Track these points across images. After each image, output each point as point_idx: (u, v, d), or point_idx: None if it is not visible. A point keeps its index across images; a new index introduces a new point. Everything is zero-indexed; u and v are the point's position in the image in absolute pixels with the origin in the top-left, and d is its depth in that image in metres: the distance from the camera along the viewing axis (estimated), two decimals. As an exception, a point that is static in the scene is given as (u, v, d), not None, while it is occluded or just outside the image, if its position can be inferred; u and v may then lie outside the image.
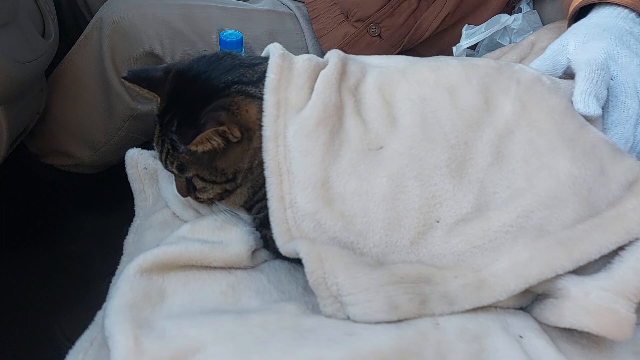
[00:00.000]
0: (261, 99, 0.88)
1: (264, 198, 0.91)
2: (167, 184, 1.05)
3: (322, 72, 0.91)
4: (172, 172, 0.92)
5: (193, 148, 0.85)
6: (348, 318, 0.77)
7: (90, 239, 1.73)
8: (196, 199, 0.95)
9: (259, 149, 0.87)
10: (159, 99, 0.92)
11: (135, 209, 1.10)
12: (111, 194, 1.78)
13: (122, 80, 0.93)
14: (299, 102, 0.88)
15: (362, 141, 0.85)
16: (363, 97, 0.91)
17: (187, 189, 0.94)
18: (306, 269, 0.77)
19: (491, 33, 1.39)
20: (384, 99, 0.89)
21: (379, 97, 0.90)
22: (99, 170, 1.69)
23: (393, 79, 0.92)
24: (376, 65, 0.98)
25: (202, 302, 0.81)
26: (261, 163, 0.88)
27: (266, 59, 0.94)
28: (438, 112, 0.86)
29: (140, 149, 1.13)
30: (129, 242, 1.01)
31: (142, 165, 1.10)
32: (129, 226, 1.76)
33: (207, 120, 0.83)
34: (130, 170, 1.10)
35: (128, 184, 1.79)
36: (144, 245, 0.97)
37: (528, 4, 1.48)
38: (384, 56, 1.03)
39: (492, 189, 0.83)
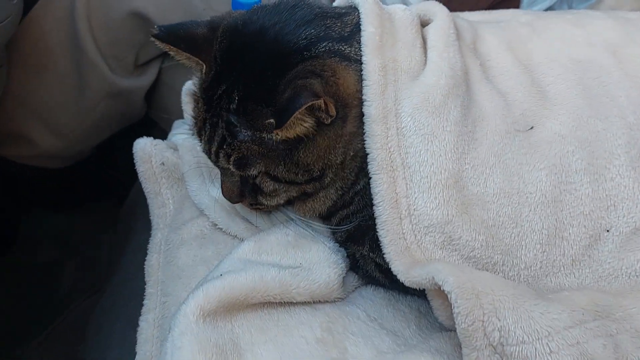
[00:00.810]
0: (358, 62, 0.62)
1: (351, 203, 0.66)
2: (199, 184, 0.77)
3: (434, 26, 0.66)
4: (226, 168, 0.65)
5: (279, 135, 0.59)
6: (509, 375, 0.53)
7: (58, 248, 1.42)
8: (254, 205, 0.69)
9: (355, 135, 0.62)
10: (204, 66, 0.65)
11: (151, 218, 0.81)
12: (81, 192, 1.48)
13: (153, 39, 0.65)
14: (412, 65, 0.62)
15: (504, 119, 0.61)
16: (488, 59, 0.66)
17: (240, 193, 0.67)
18: (456, 309, 0.53)
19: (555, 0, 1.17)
20: (519, 62, 0.65)
21: (512, 59, 0.66)
22: (65, 164, 1.36)
23: (522, 36, 0.68)
24: (482, 22, 0.74)
25: (296, 356, 0.55)
26: (357, 155, 0.62)
27: (352, 8, 0.68)
28: (603, 79, 0.63)
29: (152, 138, 0.85)
30: (153, 266, 0.73)
31: (157, 159, 0.82)
32: (105, 232, 1.48)
33: (298, 91, 0.56)
34: (142, 167, 0.81)
35: (101, 180, 1.51)
36: (180, 269, 0.70)
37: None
38: (485, 11, 0.79)
39: (683, 184, 0.61)
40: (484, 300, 0.53)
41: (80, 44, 1.11)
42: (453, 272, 0.54)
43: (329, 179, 0.63)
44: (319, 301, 0.63)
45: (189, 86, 0.90)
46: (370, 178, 0.60)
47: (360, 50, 0.62)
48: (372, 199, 0.63)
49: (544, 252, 0.60)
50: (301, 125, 0.58)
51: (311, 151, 0.61)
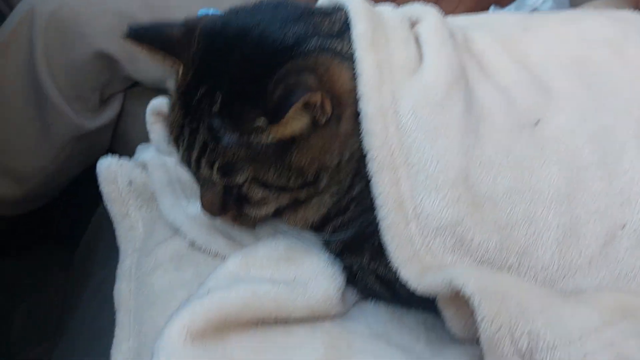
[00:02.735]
0: (351, 59, 0.58)
1: (346, 210, 0.61)
2: (173, 201, 0.71)
3: (426, 25, 0.63)
4: (207, 178, 0.59)
5: (270, 136, 0.53)
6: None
7: (6, 295, 1.30)
8: (238, 219, 0.62)
9: (350, 135, 0.57)
10: (180, 67, 0.59)
11: (118, 243, 0.73)
12: (29, 236, 1.37)
13: (125, 39, 0.59)
14: (407, 62, 0.59)
15: (508, 115, 0.58)
16: (483, 58, 0.64)
17: (223, 205, 0.61)
18: (480, 314, 0.47)
19: None
20: (515, 61, 0.63)
21: (507, 57, 0.63)
22: (22, 212, 1.25)
23: (514, 36, 0.66)
24: (468, 26, 0.71)
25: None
26: (353, 157, 0.58)
27: (338, 8, 0.64)
28: (604, 74, 0.61)
29: (117, 157, 0.78)
30: (123, 294, 0.65)
31: (123, 179, 0.75)
32: (55, 277, 1.37)
33: (293, 87, 0.52)
34: (107, 188, 0.74)
35: (50, 224, 1.40)
36: (156, 294, 0.62)
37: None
38: (468, 15, 0.77)
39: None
40: (510, 303, 0.48)
41: (41, 88, 1.03)
42: (473, 274, 0.49)
43: (323, 183, 0.58)
44: (318, 319, 0.57)
45: (155, 105, 0.84)
46: (370, 180, 0.55)
47: (352, 48, 0.58)
48: (371, 204, 0.58)
49: (560, 251, 0.55)
50: (297, 123, 0.53)
51: (305, 153, 0.56)
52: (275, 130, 0.53)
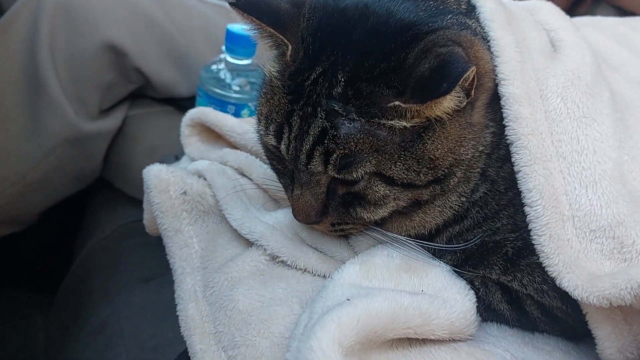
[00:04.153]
0: (484, 39, 0.51)
1: (465, 216, 0.53)
2: (244, 210, 0.61)
3: (548, 14, 0.58)
4: (316, 174, 0.50)
5: (407, 120, 0.46)
6: None
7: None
8: (337, 226, 0.53)
9: (483, 126, 0.50)
10: (289, 47, 0.51)
11: (170, 260, 0.62)
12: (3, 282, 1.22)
13: (232, 7, 0.51)
14: (542, 45, 0.53)
15: (651, 106, 0.52)
16: (601, 52, 0.59)
17: (322, 209, 0.52)
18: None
19: None
20: (636, 55, 0.58)
21: (627, 52, 0.60)
22: None
23: (624, 33, 0.64)
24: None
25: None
26: (483, 152, 0.51)
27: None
28: None
29: (165, 165, 0.67)
30: (193, 317, 0.54)
31: (177, 188, 0.64)
32: (32, 318, 1.21)
33: (448, 58, 0.44)
34: (157, 198, 0.64)
35: (27, 260, 1.25)
36: (245, 313, 0.51)
37: None
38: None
39: None
40: None
41: (40, 77, 0.92)
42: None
43: (455, 180, 0.50)
44: (452, 339, 0.48)
45: (192, 115, 0.75)
46: (519, 172, 0.48)
47: (483, 28, 0.52)
48: (496, 209, 0.51)
49: None
50: (448, 103, 0.46)
51: (441, 142, 0.48)
52: (420, 111, 0.45)
